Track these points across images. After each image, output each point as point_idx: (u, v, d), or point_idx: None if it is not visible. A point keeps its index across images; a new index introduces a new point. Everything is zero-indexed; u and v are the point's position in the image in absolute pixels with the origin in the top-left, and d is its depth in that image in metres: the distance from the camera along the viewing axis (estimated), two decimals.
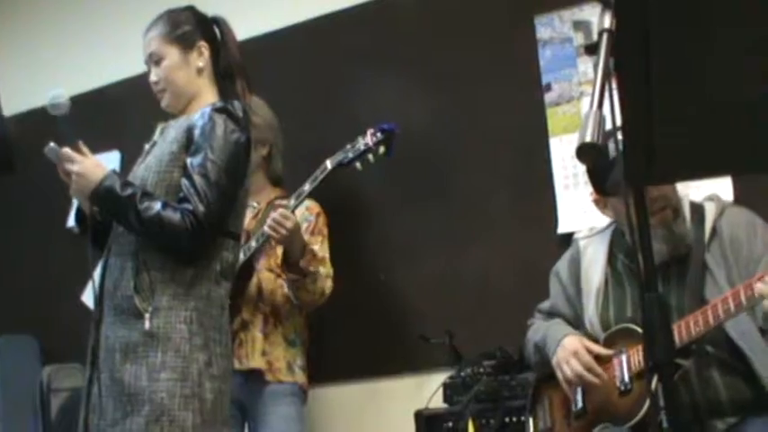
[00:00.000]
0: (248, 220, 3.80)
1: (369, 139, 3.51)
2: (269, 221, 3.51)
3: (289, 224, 3.48)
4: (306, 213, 3.76)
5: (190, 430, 2.64)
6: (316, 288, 3.65)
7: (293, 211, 3.56)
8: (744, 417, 2.75)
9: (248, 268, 3.63)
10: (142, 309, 2.69)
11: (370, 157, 3.52)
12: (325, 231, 3.80)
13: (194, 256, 2.76)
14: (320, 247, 3.74)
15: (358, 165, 3.53)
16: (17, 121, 4.34)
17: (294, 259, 3.59)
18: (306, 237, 3.69)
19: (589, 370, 2.89)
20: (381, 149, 3.51)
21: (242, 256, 3.56)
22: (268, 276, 3.72)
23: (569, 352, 2.92)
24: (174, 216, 2.69)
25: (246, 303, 3.63)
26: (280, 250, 3.69)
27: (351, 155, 3.52)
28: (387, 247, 4.09)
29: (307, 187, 3.56)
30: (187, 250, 2.74)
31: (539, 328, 3.13)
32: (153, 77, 2.98)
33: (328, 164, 3.54)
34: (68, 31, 5.08)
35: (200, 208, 2.70)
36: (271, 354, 3.63)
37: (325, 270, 3.71)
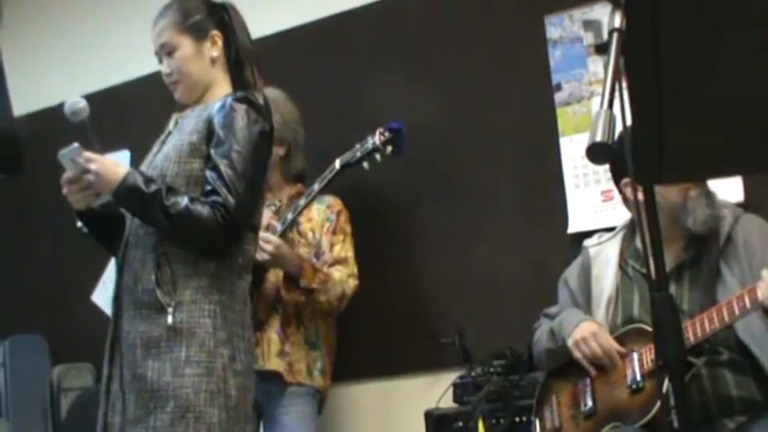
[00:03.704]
0: (269, 217, 3.81)
1: (377, 138, 3.55)
2: None
3: (269, 248, 3.42)
4: (327, 212, 3.74)
5: (216, 427, 2.58)
6: (329, 297, 3.61)
7: (300, 213, 3.57)
8: (754, 416, 2.75)
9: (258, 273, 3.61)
10: (165, 303, 2.60)
11: (378, 156, 3.55)
12: (348, 229, 3.77)
13: (224, 250, 2.68)
14: (341, 246, 3.71)
15: (365, 164, 3.56)
16: (27, 121, 4.34)
17: (293, 278, 3.56)
18: (327, 237, 3.69)
19: (606, 352, 2.89)
20: (389, 149, 3.54)
21: None
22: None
23: (588, 332, 2.92)
24: (203, 210, 2.60)
25: (262, 304, 3.62)
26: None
27: (359, 154, 3.56)
28: (396, 246, 4.08)
29: (316, 187, 3.57)
30: (218, 245, 2.65)
31: (552, 321, 3.12)
32: (165, 69, 2.88)
33: (337, 164, 3.58)
34: (78, 32, 5.09)
35: (231, 200, 2.60)
36: (291, 355, 3.61)
37: (347, 270, 3.68)
